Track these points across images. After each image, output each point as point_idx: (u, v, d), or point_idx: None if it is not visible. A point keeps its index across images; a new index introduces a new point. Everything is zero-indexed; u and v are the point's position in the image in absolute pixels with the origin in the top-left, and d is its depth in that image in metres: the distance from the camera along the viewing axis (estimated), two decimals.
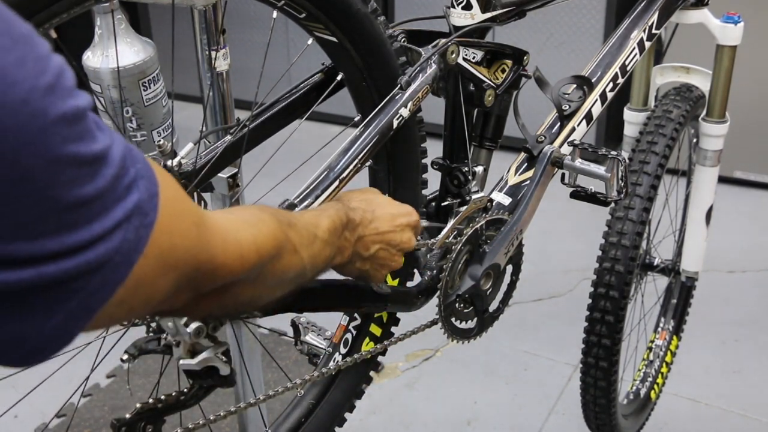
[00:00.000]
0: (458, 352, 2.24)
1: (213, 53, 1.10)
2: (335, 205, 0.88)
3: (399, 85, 1.03)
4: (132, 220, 0.51)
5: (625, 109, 1.71)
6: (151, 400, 0.89)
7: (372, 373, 1.27)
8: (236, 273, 0.63)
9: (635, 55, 1.36)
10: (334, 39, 1.01)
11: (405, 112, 1.02)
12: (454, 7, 1.11)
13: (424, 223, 1.12)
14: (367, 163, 1.01)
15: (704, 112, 1.65)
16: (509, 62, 1.16)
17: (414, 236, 0.98)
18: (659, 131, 1.53)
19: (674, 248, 1.91)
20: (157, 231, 0.52)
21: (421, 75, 1.04)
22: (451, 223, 1.12)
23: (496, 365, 2.22)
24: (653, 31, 1.40)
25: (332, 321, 1.21)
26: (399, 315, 1.24)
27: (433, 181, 1.18)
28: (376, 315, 1.22)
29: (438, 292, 1.08)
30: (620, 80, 1.33)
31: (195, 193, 0.94)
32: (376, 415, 2.05)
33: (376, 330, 1.22)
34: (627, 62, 1.34)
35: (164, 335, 0.92)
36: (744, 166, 3.09)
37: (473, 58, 1.11)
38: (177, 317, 0.89)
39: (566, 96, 1.25)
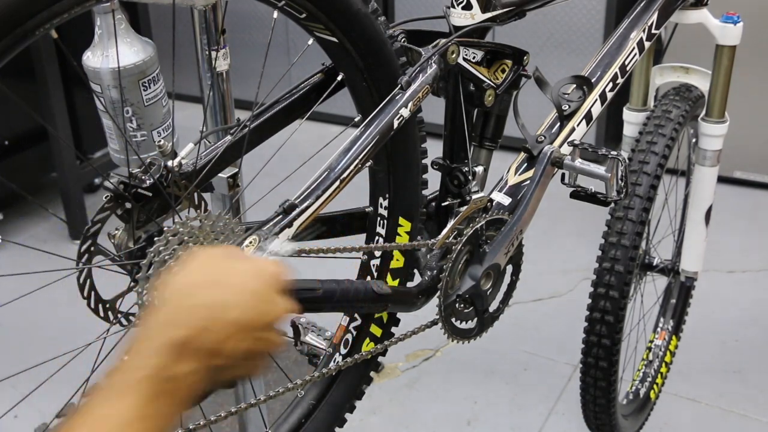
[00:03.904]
0: (458, 352, 2.24)
1: (213, 53, 1.10)
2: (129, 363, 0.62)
3: (399, 85, 1.02)
4: None
5: (624, 109, 1.71)
6: None
7: (372, 374, 1.27)
8: None
9: (635, 55, 1.36)
10: (334, 39, 1.01)
11: (405, 112, 1.02)
12: (454, 7, 1.11)
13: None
14: (368, 164, 1.01)
15: (704, 112, 1.65)
16: (509, 62, 1.16)
17: (284, 300, 0.69)
18: (659, 131, 1.53)
19: (674, 248, 1.91)
20: None
21: (421, 75, 1.04)
22: (451, 223, 1.12)
23: (496, 365, 2.22)
24: (653, 31, 1.40)
25: (332, 321, 1.21)
26: (399, 315, 1.24)
27: (433, 181, 1.18)
28: (376, 315, 1.22)
29: (438, 292, 1.08)
30: (620, 80, 1.33)
31: (195, 194, 0.94)
32: (376, 415, 2.05)
33: (376, 330, 1.22)
34: (626, 62, 1.34)
35: None
36: (744, 166, 3.09)
37: (473, 58, 1.11)
38: None
39: (566, 96, 1.26)
